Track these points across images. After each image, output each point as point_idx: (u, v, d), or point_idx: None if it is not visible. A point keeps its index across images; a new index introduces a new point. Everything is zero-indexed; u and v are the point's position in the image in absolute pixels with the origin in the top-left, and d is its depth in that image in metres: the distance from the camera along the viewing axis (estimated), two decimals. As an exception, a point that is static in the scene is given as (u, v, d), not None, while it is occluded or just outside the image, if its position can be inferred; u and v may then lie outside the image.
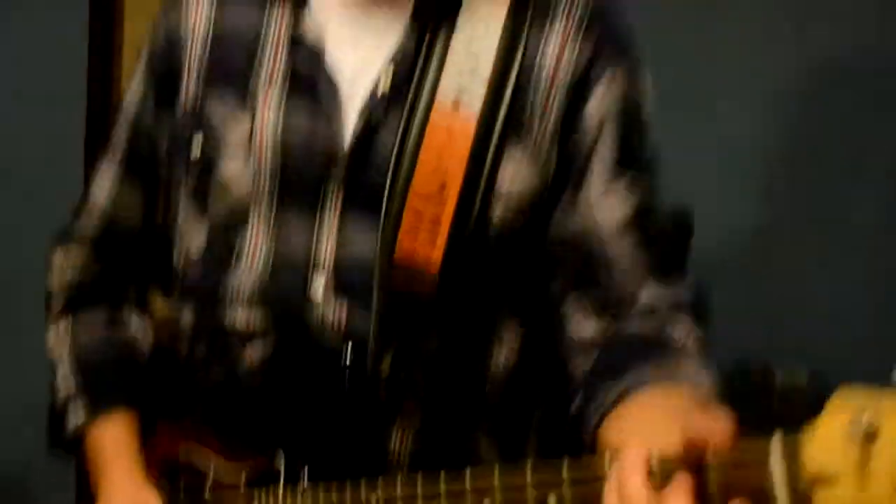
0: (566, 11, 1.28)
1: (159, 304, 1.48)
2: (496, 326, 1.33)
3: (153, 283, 1.48)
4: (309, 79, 1.29)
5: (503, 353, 1.34)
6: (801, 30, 2.24)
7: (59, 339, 1.45)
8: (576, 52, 1.27)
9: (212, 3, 1.35)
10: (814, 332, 2.19)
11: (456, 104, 1.25)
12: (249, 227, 1.31)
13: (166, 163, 1.38)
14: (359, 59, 1.28)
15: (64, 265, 1.47)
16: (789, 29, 2.27)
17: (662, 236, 1.31)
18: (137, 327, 1.47)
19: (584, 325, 1.28)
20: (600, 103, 1.27)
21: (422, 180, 1.24)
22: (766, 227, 2.23)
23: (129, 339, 1.46)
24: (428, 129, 1.25)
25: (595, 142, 1.27)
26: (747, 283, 2.22)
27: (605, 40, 1.28)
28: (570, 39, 1.27)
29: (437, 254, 1.24)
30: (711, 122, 2.26)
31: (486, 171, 1.25)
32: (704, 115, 2.25)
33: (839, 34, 2.22)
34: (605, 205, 1.27)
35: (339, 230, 1.27)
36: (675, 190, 1.94)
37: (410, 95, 1.26)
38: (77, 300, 1.46)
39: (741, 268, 2.22)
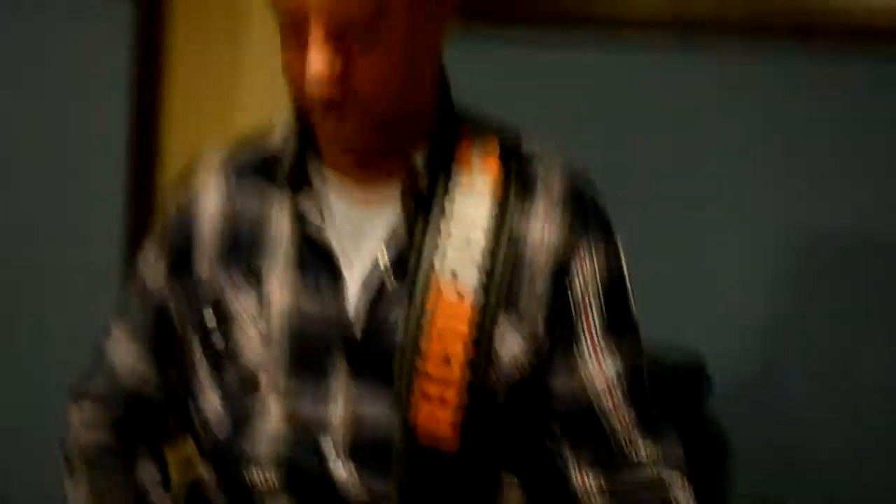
0: (544, 192, 1.38)
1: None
2: (503, 476, 1.40)
3: (178, 430, 1.52)
4: (312, 257, 1.38)
5: (510, 499, 1.41)
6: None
7: (76, 491, 1.49)
8: (556, 228, 1.37)
9: (221, 185, 1.44)
10: (828, 463, 2.16)
11: (454, 279, 1.33)
12: (262, 394, 1.38)
13: (180, 330, 1.45)
14: (357, 238, 1.38)
15: (79, 425, 1.51)
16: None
17: (650, 396, 1.40)
18: (151, 474, 1.51)
19: (585, 477, 1.38)
20: (582, 274, 1.37)
21: (429, 352, 1.31)
22: (777, 357, 2.20)
23: (142, 484, 1.49)
24: (429, 303, 1.33)
25: (580, 310, 1.37)
26: (760, 415, 2.19)
27: (582, 216, 1.38)
28: (550, 217, 1.37)
29: (451, 419, 1.31)
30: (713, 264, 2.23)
31: (485, 340, 1.33)
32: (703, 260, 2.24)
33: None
34: (595, 369, 1.37)
35: (348, 397, 1.35)
36: (687, 333, 1.92)
37: (411, 273, 1.34)
38: (93, 453, 1.50)
39: (753, 399, 2.20)
